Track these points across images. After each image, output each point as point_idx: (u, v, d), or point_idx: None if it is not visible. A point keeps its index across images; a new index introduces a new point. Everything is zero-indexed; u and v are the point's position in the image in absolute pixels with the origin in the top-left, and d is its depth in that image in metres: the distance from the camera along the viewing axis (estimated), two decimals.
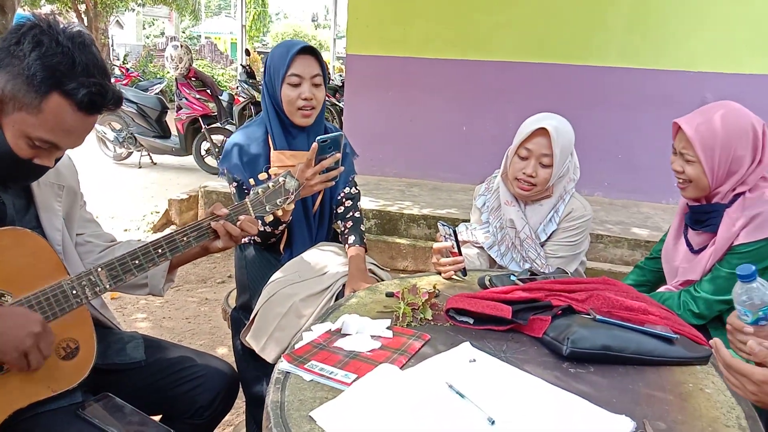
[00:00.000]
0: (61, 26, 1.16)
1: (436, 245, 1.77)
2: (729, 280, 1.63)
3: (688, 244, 1.81)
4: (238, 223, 1.44)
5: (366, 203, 4.65)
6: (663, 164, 5.27)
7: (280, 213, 1.57)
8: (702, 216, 1.75)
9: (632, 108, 5.05)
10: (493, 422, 1.02)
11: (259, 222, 1.53)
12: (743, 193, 1.68)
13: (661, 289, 1.86)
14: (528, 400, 1.11)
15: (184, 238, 1.36)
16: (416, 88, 5.47)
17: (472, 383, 1.15)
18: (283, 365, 1.18)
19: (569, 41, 5.15)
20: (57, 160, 1.28)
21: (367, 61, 5.51)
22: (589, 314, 1.37)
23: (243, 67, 9.85)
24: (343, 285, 1.86)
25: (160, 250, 1.32)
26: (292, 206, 1.60)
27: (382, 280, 1.93)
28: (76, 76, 1.13)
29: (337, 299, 1.80)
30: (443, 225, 1.76)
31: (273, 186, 1.54)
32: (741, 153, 1.65)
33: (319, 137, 1.77)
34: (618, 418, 1.05)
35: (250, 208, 1.50)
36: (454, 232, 1.71)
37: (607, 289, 1.48)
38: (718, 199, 1.72)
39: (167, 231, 4.94)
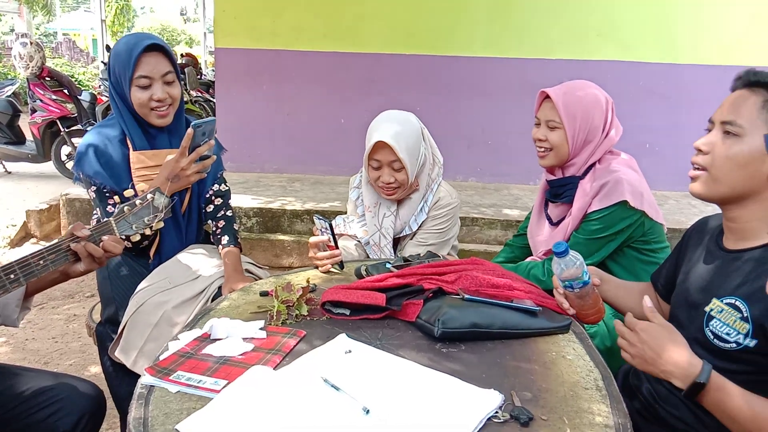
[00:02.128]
0: None
1: (312, 239, 1.75)
2: (586, 245, 1.76)
3: (548, 218, 1.93)
4: (101, 243, 1.34)
5: (247, 201, 4.52)
6: (528, 148, 5.61)
7: (148, 232, 1.48)
8: (559, 189, 1.87)
9: (497, 95, 5.31)
10: (368, 411, 1.02)
11: (125, 241, 1.43)
12: (594, 165, 1.83)
13: (529, 259, 1.97)
14: (402, 384, 1.12)
15: (41, 262, 1.24)
16: (291, 81, 5.40)
17: (348, 375, 1.14)
18: (146, 379, 1.11)
19: (435, 32, 5.30)
20: None
21: (237, 55, 5.34)
22: (458, 295, 1.41)
23: (105, 64, 9.21)
24: (219, 288, 1.79)
25: (12, 276, 1.20)
26: (161, 224, 1.51)
27: (260, 279, 1.88)
28: None
29: None
30: (319, 218, 1.74)
31: (140, 203, 1.46)
32: (597, 123, 1.81)
33: (194, 122, 1.70)
34: (487, 393, 1.08)
35: (115, 228, 1.40)
36: (330, 225, 1.70)
37: (475, 268, 1.54)
38: (573, 172, 1.85)
39: (26, 246, 4.52)
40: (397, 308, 1.39)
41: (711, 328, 1.23)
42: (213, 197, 2.01)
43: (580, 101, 1.81)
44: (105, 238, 1.36)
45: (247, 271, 1.92)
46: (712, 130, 1.26)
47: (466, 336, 1.29)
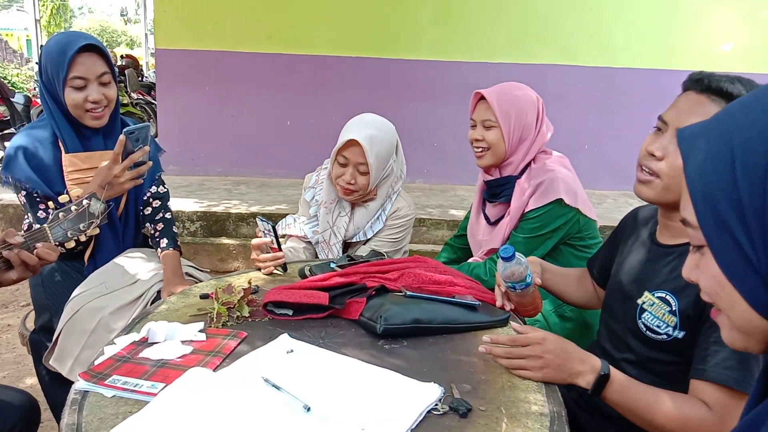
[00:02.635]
0: None
1: (255, 241, 1.72)
2: (526, 243, 1.81)
3: (486, 218, 1.97)
4: (35, 251, 1.30)
5: (190, 205, 4.43)
6: (471, 149, 5.70)
7: (83, 238, 1.44)
8: (497, 189, 1.92)
9: (442, 98, 5.38)
10: (308, 409, 1.02)
11: (60, 247, 1.39)
12: (529, 165, 1.88)
13: (470, 260, 2.00)
14: (344, 381, 1.12)
15: None
16: (235, 83, 5.32)
17: (289, 374, 1.14)
18: (80, 384, 1.07)
19: (381, 35, 5.34)
20: None
21: (178, 56, 5.23)
22: (401, 292, 1.43)
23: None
24: (158, 292, 1.75)
25: None
26: (97, 231, 1.47)
27: (201, 282, 1.84)
28: None
29: None
30: (262, 220, 1.73)
31: (75, 209, 1.41)
32: (530, 121, 1.86)
33: (126, 129, 1.64)
34: (427, 386, 1.10)
35: (50, 235, 1.35)
36: (273, 227, 1.68)
37: (417, 266, 1.56)
38: (510, 171, 1.90)
39: None
40: (341, 307, 1.39)
41: (643, 320, 1.28)
42: (151, 200, 1.96)
43: (514, 100, 1.86)
44: (39, 245, 1.32)
45: (188, 274, 1.89)
46: (665, 132, 1.26)
47: (408, 332, 1.31)
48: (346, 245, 2.07)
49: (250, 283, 1.43)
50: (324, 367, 1.18)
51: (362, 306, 1.38)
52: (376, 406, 1.04)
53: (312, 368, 1.17)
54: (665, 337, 1.23)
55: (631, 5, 5.36)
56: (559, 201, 1.78)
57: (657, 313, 1.25)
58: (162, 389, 1.05)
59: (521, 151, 1.88)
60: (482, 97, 1.88)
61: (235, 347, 1.24)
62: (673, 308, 1.22)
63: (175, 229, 1.95)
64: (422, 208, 4.58)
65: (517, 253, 1.38)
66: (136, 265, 1.83)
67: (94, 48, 1.75)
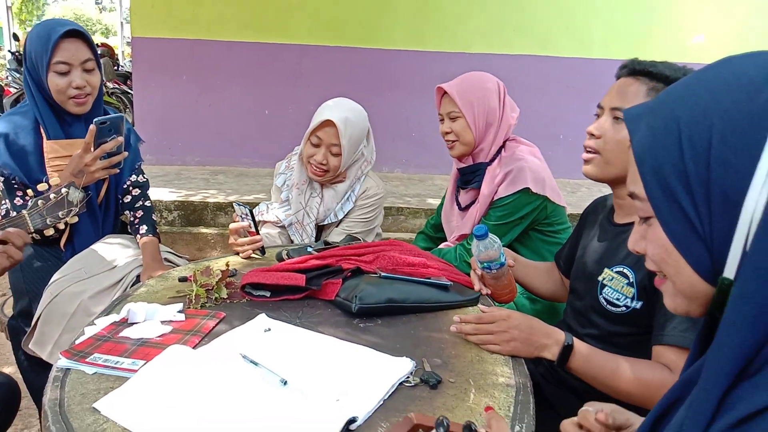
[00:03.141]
0: None
1: (232, 225, 1.76)
2: (495, 230, 1.86)
3: (458, 204, 2.03)
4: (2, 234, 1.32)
5: (166, 195, 4.42)
6: None
7: (62, 226, 1.46)
8: (469, 176, 1.97)
9: (420, 89, 5.41)
10: (285, 383, 1.06)
11: (36, 234, 1.41)
12: (500, 152, 1.94)
13: (441, 246, 2.06)
14: (319, 357, 1.17)
15: None
16: (212, 72, 5.30)
17: (267, 351, 1.18)
18: (62, 362, 1.10)
19: (360, 25, 5.35)
20: None
21: (155, 45, 5.19)
22: (376, 273, 1.47)
23: (12, 53, 8.71)
24: (137, 277, 1.78)
25: None
26: (76, 219, 1.49)
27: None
28: None
29: None
30: (239, 205, 1.76)
31: (55, 197, 1.43)
32: (493, 105, 1.92)
33: (96, 119, 1.66)
34: (399, 360, 1.15)
35: (29, 222, 1.37)
36: (250, 211, 1.71)
37: (392, 249, 1.60)
38: (482, 158, 1.96)
39: None
40: (317, 288, 1.43)
41: (604, 295, 1.35)
42: (131, 188, 1.98)
43: (474, 88, 1.93)
44: (11, 230, 1.33)
45: (166, 260, 1.91)
46: (602, 115, 1.37)
47: (382, 311, 1.36)
48: (320, 229, 2.11)
49: (227, 265, 1.47)
50: (300, 344, 1.22)
51: (338, 287, 1.42)
52: (351, 379, 1.09)
53: (289, 345, 1.22)
54: (624, 309, 1.30)
55: None
56: (527, 190, 1.84)
57: (616, 286, 1.32)
58: (143, 366, 1.09)
59: (490, 135, 1.94)
60: (446, 92, 1.94)
61: (214, 327, 1.28)
62: (631, 280, 1.29)
63: (154, 217, 1.97)
64: (400, 197, 4.63)
65: (490, 234, 1.44)
66: (115, 251, 1.85)
67: (78, 34, 1.77)
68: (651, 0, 5.47)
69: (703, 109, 0.57)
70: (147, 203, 1.99)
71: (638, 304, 1.28)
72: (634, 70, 1.32)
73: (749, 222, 0.54)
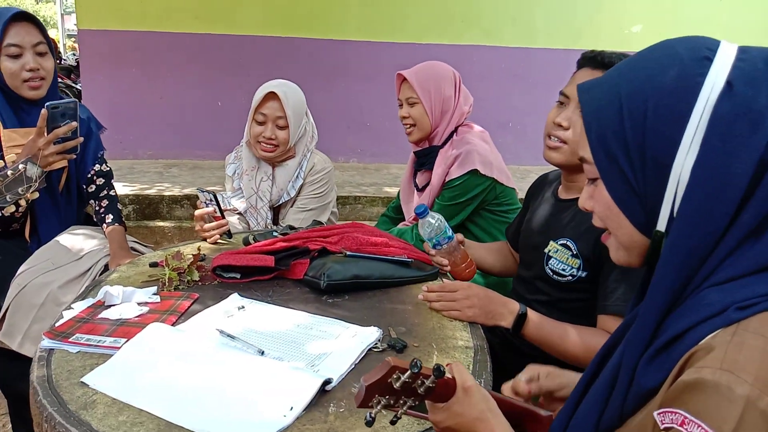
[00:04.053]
0: None
1: (198, 212, 1.80)
2: (447, 210, 1.98)
3: (416, 186, 2.14)
4: None
5: (120, 189, 4.35)
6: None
7: (23, 203, 1.47)
8: (424, 158, 2.09)
9: (373, 79, 5.50)
10: (262, 353, 1.14)
11: None
12: (452, 136, 2.06)
13: (400, 225, 2.17)
14: (293, 330, 1.25)
15: None
16: (162, 63, 5.23)
17: (242, 326, 1.25)
18: (45, 343, 1.15)
19: (309, 15, 5.38)
20: None
21: (103, 37, 5.09)
22: (341, 253, 1.56)
23: None
24: (105, 266, 1.81)
25: None
26: (36, 195, 1.51)
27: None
28: None
29: None
30: (202, 191, 1.81)
31: (12, 174, 1.44)
32: (449, 93, 2.04)
33: (48, 103, 1.66)
34: (367, 329, 1.24)
35: None
36: (215, 196, 1.77)
37: (356, 231, 1.69)
38: (436, 142, 2.07)
39: None
40: (286, 268, 1.51)
41: (550, 266, 1.47)
42: (95, 177, 2.00)
43: (431, 76, 2.05)
44: None
45: (132, 248, 1.94)
46: (568, 105, 1.45)
47: (349, 287, 1.45)
48: (276, 210, 2.18)
49: (199, 249, 1.53)
50: (274, 319, 1.30)
51: (306, 266, 1.50)
52: (324, 347, 1.18)
53: (263, 321, 1.29)
54: (570, 278, 1.43)
55: None
56: (475, 171, 1.96)
57: (561, 258, 1.45)
58: (125, 343, 1.14)
59: (444, 122, 2.07)
60: (405, 78, 2.04)
61: (189, 306, 1.34)
62: (574, 252, 1.41)
63: (119, 206, 2.00)
64: (357, 186, 4.71)
65: (431, 211, 1.55)
66: (81, 242, 1.87)
67: (28, 17, 1.78)
68: None
69: (641, 84, 0.67)
70: (112, 192, 2.02)
71: (584, 274, 1.41)
72: (601, 62, 1.40)
73: (677, 182, 0.65)
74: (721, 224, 0.62)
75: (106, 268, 1.82)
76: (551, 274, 1.47)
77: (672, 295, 0.64)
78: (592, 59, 1.44)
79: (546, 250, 1.49)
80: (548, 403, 0.95)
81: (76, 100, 1.79)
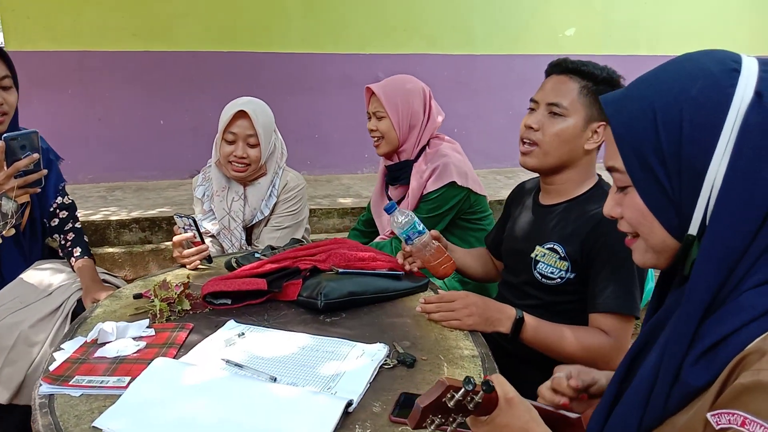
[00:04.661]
0: None
1: (176, 238, 1.76)
2: (426, 222, 1.98)
3: (390, 200, 2.16)
4: None
5: None
6: (353, 139, 5.84)
7: None
8: (397, 173, 2.11)
9: (319, 90, 5.49)
10: (275, 380, 1.13)
11: None
12: (424, 149, 2.08)
13: (376, 239, 2.18)
14: (300, 353, 1.24)
15: None
16: (100, 84, 5.04)
17: (247, 353, 1.23)
18: (44, 389, 1.09)
19: (252, 29, 5.32)
20: None
21: (35, 58, 4.85)
22: (332, 270, 1.56)
23: None
24: (78, 300, 1.73)
25: None
26: (13, 231, 1.43)
27: (119, 288, 1.84)
28: None
29: (73, 317, 1.67)
30: (180, 217, 1.76)
31: None
32: (417, 108, 2.07)
33: (5, 135, 1.58)
34: (374, 346, 1.25)
35: None
36: (194, 221, 1.72)
37: (340, 247, 1.69)
38: (406, 156, 2.10)
39: None
40: (278, 290, 1.49)
41: (538, 270, 1.52)
42: (58, 210, 1.91)
43: (399, 91, 2.08)
44: None
45: (104, 281, 1.87)
46: (537, 109, 1.50)
47: (346, 304, 1.44)
48: (249, 230, 2.15)
49: (188, 277, 1.49)
50: (277, 344, 1.28)
51: (299, 287, 1.49)
52: (336, 368, 1.17)
53: (266, 346, 1.27)
54: (559, 280, 1.48)
55: None
56: (453, 183, 2.00)
57: (549, 261, 1.49)
58: (130, 381, 1.10)
59: (413, 137, 2.09)
60: (374, 92, 2.06)
61: (186, 337, 1.31)
62: (562, 255, 1.46)
63: (85, 238, 1.92)
64: (311, 199, 4.68)
65: (399, 208, 1.59)
66: (49, 277, 1.78)
67: None
68: None
69: (674, 97, 0.71)
70: (77, 225, 1.94)
71: (572, 275, 1.46)
72: (567, 68, 1.47)
73: (710, 189, 0.69)
74: (754, 225, 0.66)
75: (78, 303, 1.74)
76: (540, 278, 1.52)
77: (711, 294, 0.68)
78: (557, 66, 1.51)
79: (533, 255, 1.53)
80: (579, 403, 0.98)
81: (36, 130, 1.70)
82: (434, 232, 1.66)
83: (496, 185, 5.33)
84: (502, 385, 0.80)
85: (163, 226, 4.25)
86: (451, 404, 0.72)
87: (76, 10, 4.90)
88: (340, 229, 4.43)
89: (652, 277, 1.65)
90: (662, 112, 0.71)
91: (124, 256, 4.06)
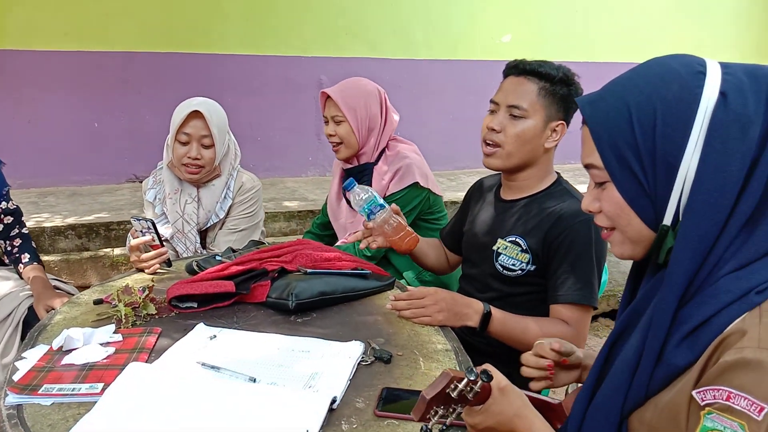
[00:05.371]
0: None
1: (134, 242, 1.70)
2: None
3: (349, 202, 2.16)
4: None
5: None
6: (296, 142, 5.80)
7: None
8: (357, 176, 2.11)
9: (260, 93, 5.42)
10: (254, 380, 1.12)
11: None
12: (383, 152, 2.11)
13: (338, 243, 2.18)
14: (276, 353, 1.24)
15: None
16: (28, 85, 4.79)
17: (222, 356, 1.22)
18: (11, 398, 1.04)
19: (191, 30, 5.20)
20: None
21: None
22: (299, 271, 1.56)
23: None
24: (29, 308, 1.65)
25: None
26: None
27: (72, 294, 1.77)
28: None
29: (25, 326, 1.60)
30: (137, 219, 1.71)
31: None
32: (375, 111, 2.08)
33: None
34: (350, 344, 1.26)
35: None
36: (153, 224, 1.68)
37: (305, 248, 1.69)
38: (366, 159, 2.11)
39: None
40: (246, 292, 1.48)
41: (500, 262, 1.58)
42: (2, 216, 1.83)
43: (356, 95, 2.07)
44: None
45: (55, 287, 1.80)
46: (497, 111, 1.55)
47: (317, 304, 1.45)
48: (204, 233, 2.11)
49: (153, 281, 1.45)
50: (251, 345, 1.27)
51: (267, 289, 1.48)
52: (314, 367, 1.18)
53: (241, 348, 1.26)
54: (520, 272, 1.54)
55: (425, 1, 5.89)
56: (416, 184, 2.03)
57: (511, 254, 1.55)
58: (104, 388, 1.07)
59: (372, 140, 2.10)
60: (330, 96, 2.05)
61: (156, 342, 1.28)
62: (524, 247, 1.53)
63: (33, 244, 1.84)
64: None
65: (358, 185, 1.61)
66: None
67: None
68: (464, 2, 6.02)
69: (647, 97, 0.77)
70: (24, 230, 1.85)
71: (533, 267, 1.52)
72: (524, 70, 1.52)
73: (683, 181, 0.75)
74: (724, 214, 0.72)
75: (30, 311, 1.66)
76: (501, 269, 1.57)
77: (688, 278, 0.74)
78: (515, 67, 1.56)
79: (495, 248, 1.59)
80: (559, 371, 1.04)
81: None
82: (394, 206, 1.67)
83: (442, 186, 5.42)
84: (495, 374, 0.84)
85: (101, 232, 4.10)
86: (454, 394, 0.74)
87: (1, 7, 4.65)
88: (287, 233, 4.40)
89: (606, 271, 1.74)
90: (637, 111, 0.77)
91: (60, 264, 3.87)
